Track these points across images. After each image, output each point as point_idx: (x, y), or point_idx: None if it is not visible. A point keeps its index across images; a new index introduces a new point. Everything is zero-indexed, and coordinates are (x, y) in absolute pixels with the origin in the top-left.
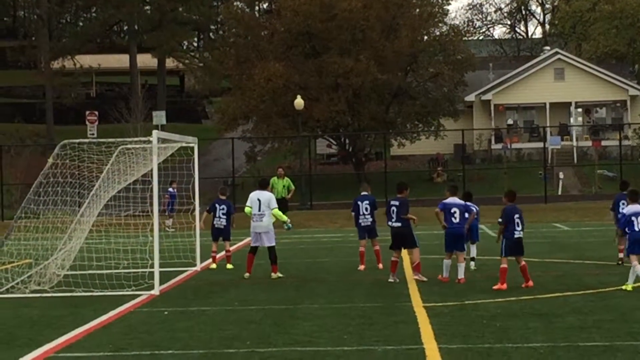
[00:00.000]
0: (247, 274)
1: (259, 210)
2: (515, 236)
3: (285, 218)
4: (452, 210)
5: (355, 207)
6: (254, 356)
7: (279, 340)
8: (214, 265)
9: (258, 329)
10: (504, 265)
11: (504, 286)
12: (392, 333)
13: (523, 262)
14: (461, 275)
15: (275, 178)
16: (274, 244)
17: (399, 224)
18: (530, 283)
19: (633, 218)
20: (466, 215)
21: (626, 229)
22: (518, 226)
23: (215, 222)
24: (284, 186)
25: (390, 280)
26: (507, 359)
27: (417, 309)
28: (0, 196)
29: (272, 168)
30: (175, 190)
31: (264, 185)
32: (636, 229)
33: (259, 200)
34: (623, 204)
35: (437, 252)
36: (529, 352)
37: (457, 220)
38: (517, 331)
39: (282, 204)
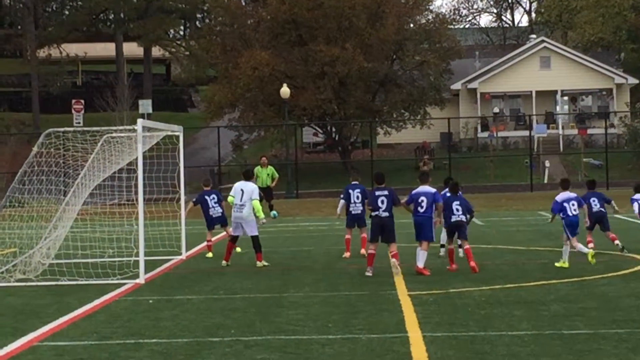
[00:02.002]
0: (224, 262)
1: (241, 200)
2: (453, 220)
3: (261, 214)
4: (420, 199)
5: (346, 195)
6: (238, 344)
7: (263, 329)
8: (210, 254)
9: (243, 317)
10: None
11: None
12: (376, 321)
13: (467, 246)
14: (420, 264)
15: (259, 167)
16: (256, 233)
17: (387, 214)
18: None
19: (565, 204)
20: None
21: (561, 214)
22: (458, 211)
23: (211, 212)
24: (267, 175)
25: (368, 274)
26: (491, 347)
27: (401, 297)
28: None
29: (258, 157)
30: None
31: (248, 176)
32: (569, 214)
33: (242, 190)
34: (593, 201)
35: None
36: (513, 339)
37: (424, 209)
38: (501, 319)
39: (267, 193)
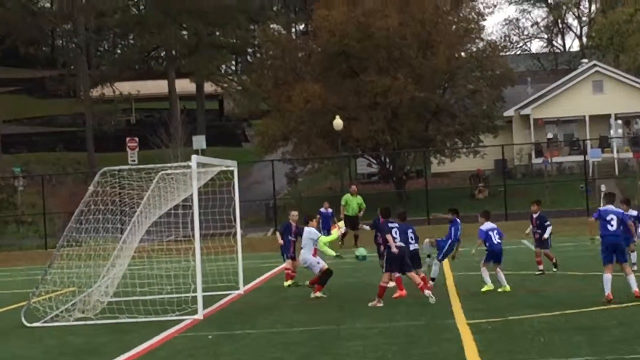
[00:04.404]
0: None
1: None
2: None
3: (328, 251)
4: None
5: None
6: None
7: None
8: (287, 283)
9: (302, 350)
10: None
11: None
12: (436, 351)
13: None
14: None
15: (348, 195)
16: (317, 271)
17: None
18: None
19: (490, 233)
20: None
21: (486, 243)
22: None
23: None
24: (357, 203)
25: (380, 304)
26: None
27: (460, 326)
28: (44, 225)
29: (313, 189)
30: (329, 210)
31: (305, 221)
32: (494, 242)
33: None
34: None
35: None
36: None
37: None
38: (561, 346)
39: (355, 222)
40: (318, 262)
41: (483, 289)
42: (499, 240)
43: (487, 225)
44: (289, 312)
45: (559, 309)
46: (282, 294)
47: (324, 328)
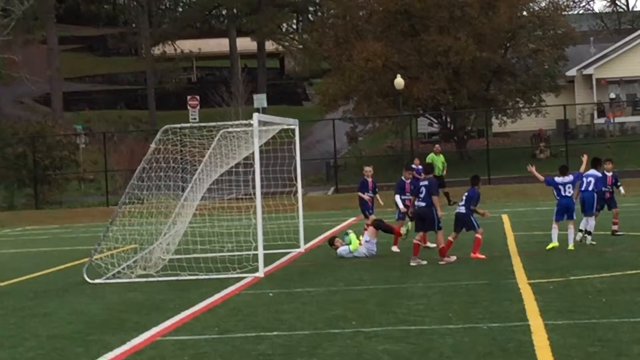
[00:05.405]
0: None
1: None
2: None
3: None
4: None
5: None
6: (359, 335)
7: (384, 320)
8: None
9: (363, 309)
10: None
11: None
12: (497, 310)
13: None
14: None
15: (433, 154)
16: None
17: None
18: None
19: (560, 187)
20: None
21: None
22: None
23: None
24: (442, 162)
25: (412, 264)
26: (614, 333)
27: (522, 285)
28: (105, 182)
29: (373, 148)
30: (419, 167)
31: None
32: (562, 194)
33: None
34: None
35: (543, 228)
36: (635, 326)
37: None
38: (623, 306)
39: (441, 181)
40: (367, 241)
41: (548, 247)
42: (565, 194)
43: (560, 179)
44: (349, 270)
45: (621, 270)
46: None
47: (385, 287)
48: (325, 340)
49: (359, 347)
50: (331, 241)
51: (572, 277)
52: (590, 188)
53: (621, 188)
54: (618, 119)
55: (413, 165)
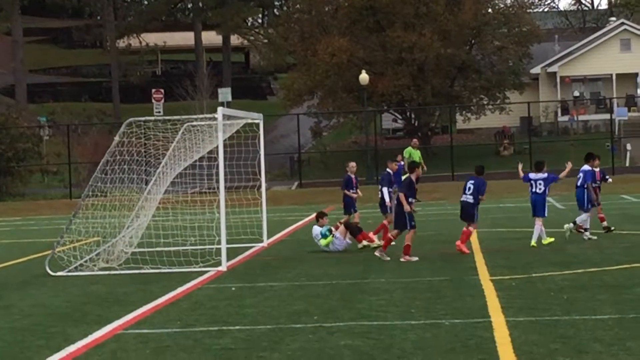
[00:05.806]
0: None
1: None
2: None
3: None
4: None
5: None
6: (321, 330)
7: (346, 315)
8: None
9: (325, 304)
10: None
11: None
12: (459, 307)
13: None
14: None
15: (411, 148)
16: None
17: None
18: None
19: (532, 182)
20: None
21: None
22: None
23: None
24: (418, 157)
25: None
26: (574, 331)
27: (484, 282)
28: (69, 175)
29: (338, 143)
30: (401, 163)
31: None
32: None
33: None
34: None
35: (506, 225)
36: (596, 323)
37: None
38: (585, 303)
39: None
40: (336, 237)
41: (544, 241)
42: (535, 191)
43: (533, 175)
44: (312, 265)
45: (583, 267)
46: (305, 248)
47: (348, 282)
48: (287, 335)
49: (321, 342)
50: (320, 215)
51: (534, 274)
52: (578, 183)
53: (609, 179)
54: (582, 117)
55: (401, 163)
